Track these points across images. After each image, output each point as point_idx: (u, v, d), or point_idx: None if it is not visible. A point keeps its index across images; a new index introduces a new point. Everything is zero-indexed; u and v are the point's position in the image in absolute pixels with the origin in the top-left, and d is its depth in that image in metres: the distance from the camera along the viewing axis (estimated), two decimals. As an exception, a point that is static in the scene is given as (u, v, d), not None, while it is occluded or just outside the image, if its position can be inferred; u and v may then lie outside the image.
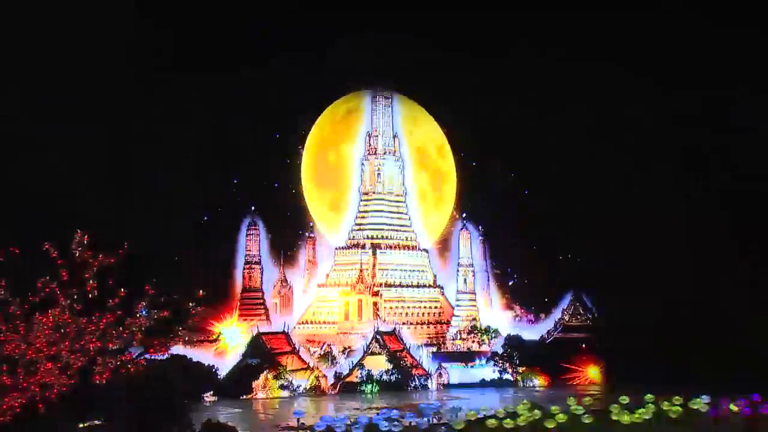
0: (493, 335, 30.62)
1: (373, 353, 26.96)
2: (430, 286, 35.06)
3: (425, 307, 34.19)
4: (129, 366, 18.62)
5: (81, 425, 17.19)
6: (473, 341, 30.86)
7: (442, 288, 35.25)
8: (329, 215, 41.35)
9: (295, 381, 25.10)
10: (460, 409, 21.98)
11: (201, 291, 30.04)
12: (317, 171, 41.78)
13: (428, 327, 32.77)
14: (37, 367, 17.75)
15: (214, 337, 29.16)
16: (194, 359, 24.86)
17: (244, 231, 32.48)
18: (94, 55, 34.66)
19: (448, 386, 26.84)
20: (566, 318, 31.67)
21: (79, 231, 18.77)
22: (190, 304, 20.69)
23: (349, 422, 19.62)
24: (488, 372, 27.64)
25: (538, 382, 27.54)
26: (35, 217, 28.02)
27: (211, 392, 24.73)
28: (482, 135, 42.69)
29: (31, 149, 31.72)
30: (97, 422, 17.14)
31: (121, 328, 18.77)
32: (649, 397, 22.30)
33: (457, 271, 33.49)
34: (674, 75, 39.03)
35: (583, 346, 29.91)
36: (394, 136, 37.33)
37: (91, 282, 18.58)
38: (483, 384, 27.26)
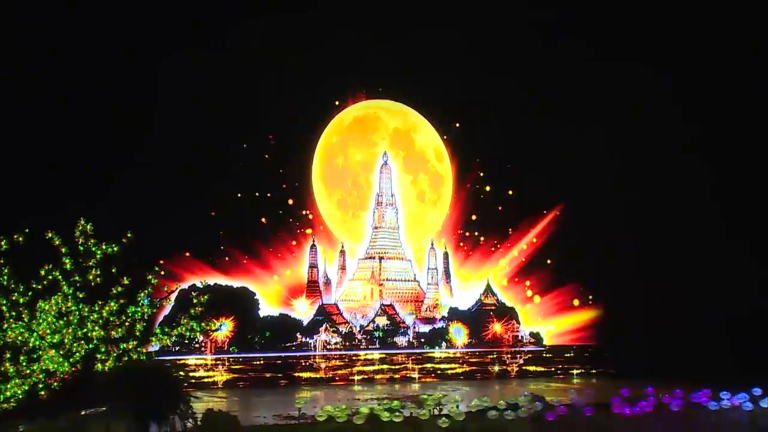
0: (445, 308, 42.25)
1: (379, 315, 39.30)
2: (411, 280, 45.54)
3: (408, 293, 44.84)
4: (131, 354, 19.19)
5: (83, 412, 17.27)
6: (434, 312, 42.87)
7: (418, 282, 45.39)
8: (336, 214, 45.83)
9: (340, 328, 36.80)
10: (461, 400, 22.55)
11: (200, 281, 32.04)
12: (326, 173, 45.87)
13: (410, 303, 43.74)
14: (40, 354, 18.22)
15: (217, 326, 33.56)
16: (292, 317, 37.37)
17: (308, 249, 42.90)
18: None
19: (419, 333, 39.03)
20: (482, 297, 42.43)
21: (82, 218, 19.42)
22: (193, 293, 21.84)
23: (350, 413, 19.87)
24: (439, 325, 40.01)
25: (463, 331, 39.11)
26: (38, 204, 29.04)
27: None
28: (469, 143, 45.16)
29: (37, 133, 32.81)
30: (99, 409, 17.06)
31: (123, 317, 19.36)
32: (649, 390, 22.57)
33: (427, 272, 44.75)
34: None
35: (491, 314, 40.73)
36: (392, 195, 46.07)
37: (93, 270, 19.16)
38: (434, 330, 39.43)
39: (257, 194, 42.87)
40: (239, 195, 42.08)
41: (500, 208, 46.78)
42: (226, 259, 40.95)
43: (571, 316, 44.23)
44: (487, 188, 47.74)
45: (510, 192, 46.69)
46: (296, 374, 35.55)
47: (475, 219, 47.66)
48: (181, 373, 17.73)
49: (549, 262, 45.63)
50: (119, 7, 35.96)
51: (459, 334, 40.18)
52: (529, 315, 44.81)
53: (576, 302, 44.26)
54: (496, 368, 39.14)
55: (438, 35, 41.51)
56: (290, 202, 44.15)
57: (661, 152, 39.42)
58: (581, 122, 40.77)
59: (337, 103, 46.03)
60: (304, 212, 44.98)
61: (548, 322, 44.57)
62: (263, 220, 42.79)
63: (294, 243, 43.98)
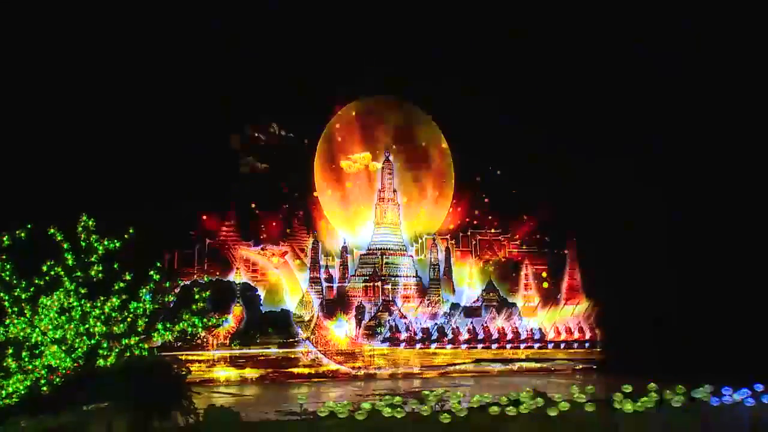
0: (446, 303, 43.49)
1: (381, 311, 40.44)
2: (413, 276, 46.24)
3: (410, 288, 45.66)
4: (133, 350, 19.08)
5: (85, 408, 16.91)
6: (436, 307, 43.76)
7: (420, 278, 46.16)
8: (337, 211, 46.81)
9: (343, 323, 38.24)
10: (463, 396, 21.98)
11: (203, 277, 34.60)
12: (326, 171, 46.80)
13: (412, 300, 44.75)
14: (42, 350, 18.10)
15: (219, 321, 31.68)
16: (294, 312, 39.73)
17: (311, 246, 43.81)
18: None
19: (421, 329, 40.26)
20: (484, 294, 43.74)
21: (84, 214, 19.20)
22: (195, 289, 21.96)
23: (352, 408, 19.47)
24: (440, 321, 41.41)
25: (465, 327, 40.67)
26: (40, 200, 29.31)
27: None
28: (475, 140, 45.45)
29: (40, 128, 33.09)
30: (101, 405, 16.73)
31: (125, 313, 19.20)
32: (651, 385, 21.47)
33: (429, 268, 45.48)
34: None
35: (493, 309, 42.08)
36: (394, 191, 47.05)
37: (95, 266, 18.99)
38: (436, 326, 40.70)
39: (257, 185, 44.04)
40: (240, 185, 43.19)
41: (514, 191, 47.31)
42: (227, 251, 41.57)
43: (572, 308, 44.71)
44: (498, 172, 48.27)
45: (522, 177, 47.09)
46: (298, 370, 35.91)
47: (476, 215, 48.32)
48: (183, 368, 17.37)
49: (565, 252, 46.24)
50: (122, 7, 37.13)
51: (460, 330, 41.09)
52: (531, 308, 45.24)
53: (577, 296, 44.96)
54: (498, 364, 39.46)
55: (441, 34, 43.28)
56: (284, 187, 44.67)
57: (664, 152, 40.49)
58: (584, 120, 41.78)
59: (342, 96, 46.60)
60: (304, 202, 45.74)
61: (549, 315, 44.88)
62: (252, 205, 43.51)
63: (288, 231, 44.78)
